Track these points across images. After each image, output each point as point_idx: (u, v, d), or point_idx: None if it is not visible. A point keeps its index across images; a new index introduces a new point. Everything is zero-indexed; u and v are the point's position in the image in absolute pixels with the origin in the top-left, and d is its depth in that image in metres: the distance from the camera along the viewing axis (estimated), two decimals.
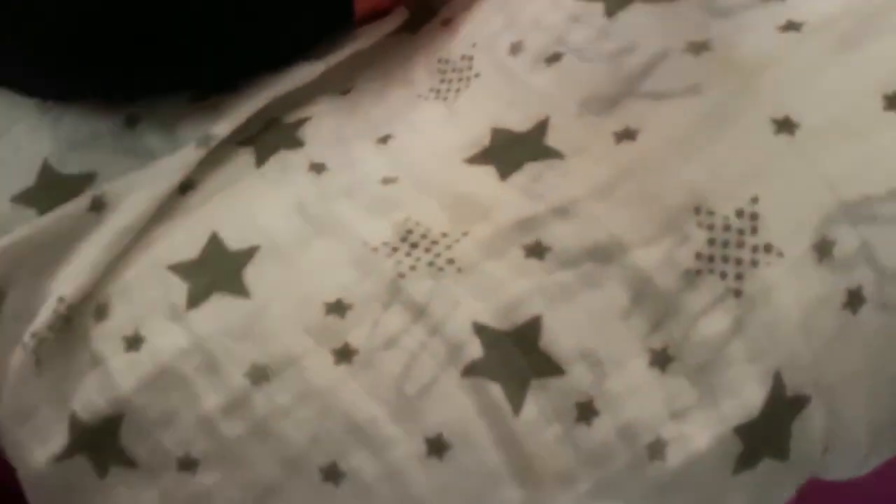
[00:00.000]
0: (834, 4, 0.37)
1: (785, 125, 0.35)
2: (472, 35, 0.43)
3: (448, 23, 0.46)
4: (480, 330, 0.34)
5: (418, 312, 0.35)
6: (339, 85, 0.45)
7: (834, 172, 0.34)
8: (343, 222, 0.38)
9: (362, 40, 0.45)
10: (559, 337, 0.34)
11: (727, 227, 0.34)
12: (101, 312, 0.38)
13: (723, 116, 0.35)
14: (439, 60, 0.44)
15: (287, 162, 0.40)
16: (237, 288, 0.36)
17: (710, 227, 0.34)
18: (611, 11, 0.39)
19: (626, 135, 0.36)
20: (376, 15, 0.46)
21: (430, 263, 0.36)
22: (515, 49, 0.41)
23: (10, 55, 0.39)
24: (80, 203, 0.39)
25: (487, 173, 0.38)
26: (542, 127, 0.38)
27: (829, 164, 0.34)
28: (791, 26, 0.36)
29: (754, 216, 0.34)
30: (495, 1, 0.45)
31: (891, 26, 0.37)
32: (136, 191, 0.39)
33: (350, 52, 0.44)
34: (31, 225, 0.39)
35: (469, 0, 0.47)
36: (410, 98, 0.43)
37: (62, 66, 0.39)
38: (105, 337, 0.37)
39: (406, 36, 0.47)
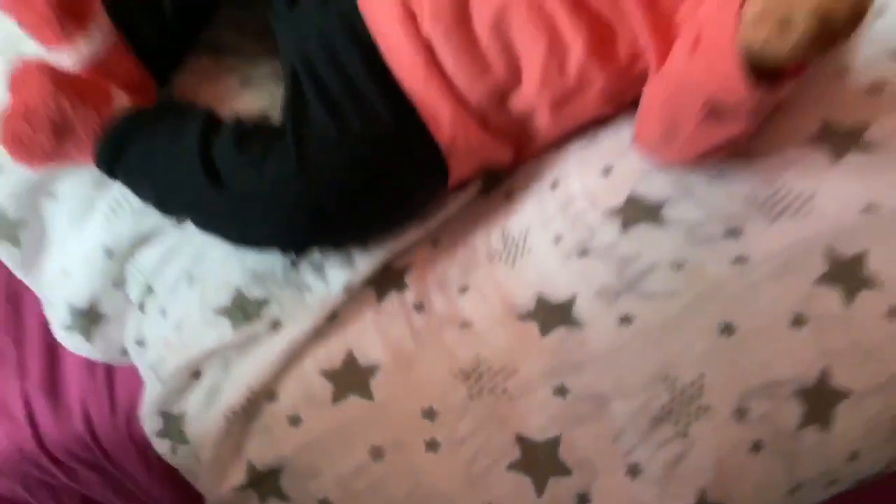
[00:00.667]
0: (773, 242, 0.55)
1: (726, 329, 0.54)
2: (529, 216, 0.62)
3: (510, 196, 0.65)
4: (521, 440, 0.54)
5: (480, 424, 0.54)
6: (431, 237, 0.64)
7: (749, 364, 0.53)
8: (432, 353, 0.57)
9: (451, 207, 0.64)
10: (571, 450, 0.54)
11: (683, 392, 0.53)
12: (272, 396, 0.58)
13: (688, 316, 0.54)
14: (503, 231, 0.63)
15: (401, 299, 0.60)
16: (366, 393, 0.56)
17: (672, 390, 0.53)
18: (625, 224, 0.58)
19: (626, 319, 0.55)
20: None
21: (491, 390, 0.55)
22: (558, 240, 0.60)
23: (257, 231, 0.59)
24: (262, 324, 0.59)
25: (532, 329, 0.57)
26: (571, 301, 0.57)
27: (748, 358, 0.53)
28: (740, 259, 0.55)
29: (700, 386, 0.53)
30: (545, 184, 0.63)
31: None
32: (301, 318, 0.58)
33: (444, 216, 0.64)
34: (229, 334, 0.59)
35: (525, 177, 0.66)
36: (481, 258, 0.62)
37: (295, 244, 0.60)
38: (273, 414, 0.57)
39: (481, 198, 0.67)
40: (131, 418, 0.71)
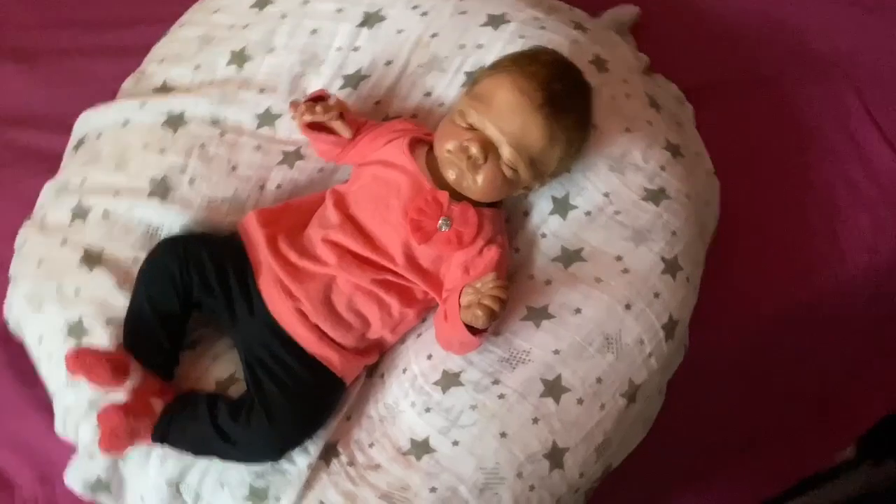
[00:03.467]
0: (514, 384, 1.08)
1: (503, 435, 1.06)
2: (395, 391, 1.13)
3: (383, 378, 1.16)
4: None
5: None
6: (345, 416, 1.13)
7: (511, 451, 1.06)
8: (365, 489, 1.07)
9: (352, 395, 1.14)
10: None
11: (490, 475, 1.05)
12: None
13: (484, 433, 1.06)
14: (385, 402, 1.13)
15: (339, 461, 1.09)
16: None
17: (486, 473, 1.05)
18: (444, 389, 1.09)
19: (455, 443, 1.07)
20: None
21: (399, 500, 1.05)
22: (413, 405, 1.10)
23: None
24: (270, 500, 1.07)
25: (412, 459, 1.07)
26: (427, 439, 1.08)
27: (514, 449, 1.06)
28: (501, 396, 1.08)
29: (496, 471, 1.06)
30: (399, 370, 1.14)
31: None
32: (290, 491, 1.07)
33: (349, 402, 1.13)
34: None
35: (388, 365, 1.16)
36: (376, 422, 1.12)
37: (276, 458, 1.07)
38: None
39: (368, 382, 1.16)
40: None
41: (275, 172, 1.21)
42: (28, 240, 1.21)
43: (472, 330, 1.02)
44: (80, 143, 1.25)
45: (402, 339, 1.16)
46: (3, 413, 1.27)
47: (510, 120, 1.05)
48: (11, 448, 1.25)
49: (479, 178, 1.07)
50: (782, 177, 1.39)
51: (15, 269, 1.20)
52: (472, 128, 1.07)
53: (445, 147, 1.08)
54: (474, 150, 1.06)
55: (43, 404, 1.21)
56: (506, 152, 1.06)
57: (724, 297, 1.26)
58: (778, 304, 1.32)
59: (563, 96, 1.06)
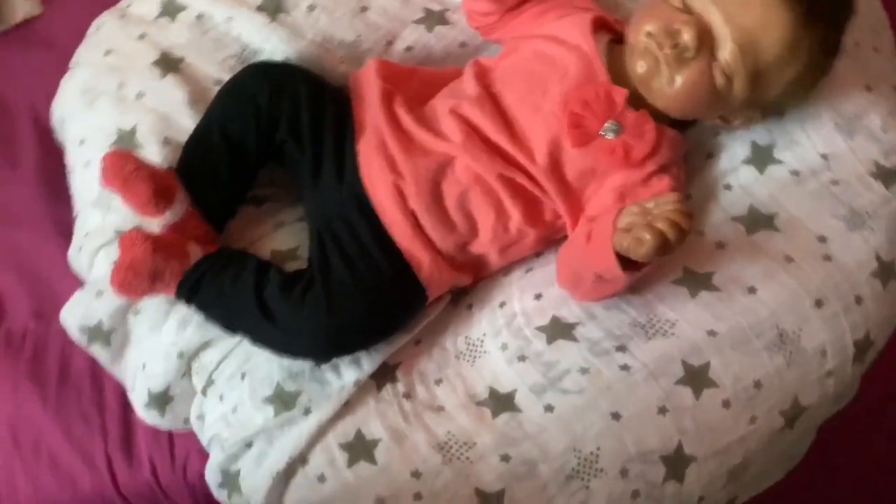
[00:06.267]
0: (647, 355, 0.82)
1: (615, 415, 0.80)
2: (484, 327, 0.87)
3: (471, 309, 0.90)
4: (478, 492, 0.79)
5: (450, 481, 0.79)
6: (414, 339, 0.89)
7: (629, 439, 0.79)
8: (416, 430, 0.82)
9: (429, 316, 0.89)
10: (513, 499, 0.79)
11: (586, 458, 0.79)
12: (304, 462, 0.82)
13: (590, 407, 0.80)
14: (466, 337, 0.88)
15: (394, 389, 0.84)
16: (371, 459, 0.81)
17: (579, 457, 0.79)
18: (550, 339, 0.84)
19: (549, 408, 0.81)
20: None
21: (458, 458, 0.80)
22: (504, 347, 0.85)
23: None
24: (297, 410, 0.83)
25: (486, 412, 0.82)
26: (513, 394, 0.82)
27: (628, 435, 0.79)
28: (625, 367, 0.81)
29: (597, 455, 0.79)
30: (496, 304, 0.89)
31: None
32: (325, 405, 0.83)
33: (424, 324, 0.88)
34: (272, 418, 0.83)
35: (482, 296, 0.91)
36: (451, 357, 0.87)
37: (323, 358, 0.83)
38: (306, 474, 0.82)
39: (450, 308, 0.91)
40: (186, 468, 0.96)
41: (409, 30, 0.97)
42: (104, 25, 0.99)
43: (624, 263, 0.76)
44: None
45: (507, 271, 0.91)
46: (20, 229, 1.07)
47: (746, 8, 0.79)
48: (16, 271, 1.05)
49: (679, 79, 0.81)
50: None
51: (79, 55, 0.99)
52: (688, 10, 0.81)
53: (645, 28, 0.82)
54: (687, 36, 0.79)
55: (66, 228, 1.00)
56: (726, 51, 0.80)
57: None
58: None
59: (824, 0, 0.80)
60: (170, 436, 0.97)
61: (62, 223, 1.02)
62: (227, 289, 0.83)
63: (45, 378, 0.98)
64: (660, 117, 0.85)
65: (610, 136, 0.83)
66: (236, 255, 0.86)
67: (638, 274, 0.76)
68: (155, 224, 0.84)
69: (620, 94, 0.84)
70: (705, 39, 0.80)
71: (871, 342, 0.84)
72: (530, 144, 0.85)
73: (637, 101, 0.84)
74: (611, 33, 0.89)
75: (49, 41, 1.14)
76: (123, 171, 0.82)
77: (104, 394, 0.99)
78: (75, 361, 0.99)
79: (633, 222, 0.73)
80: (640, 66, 0.83)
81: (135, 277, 0.82)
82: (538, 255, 0.91)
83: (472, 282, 0.91)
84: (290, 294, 0.81)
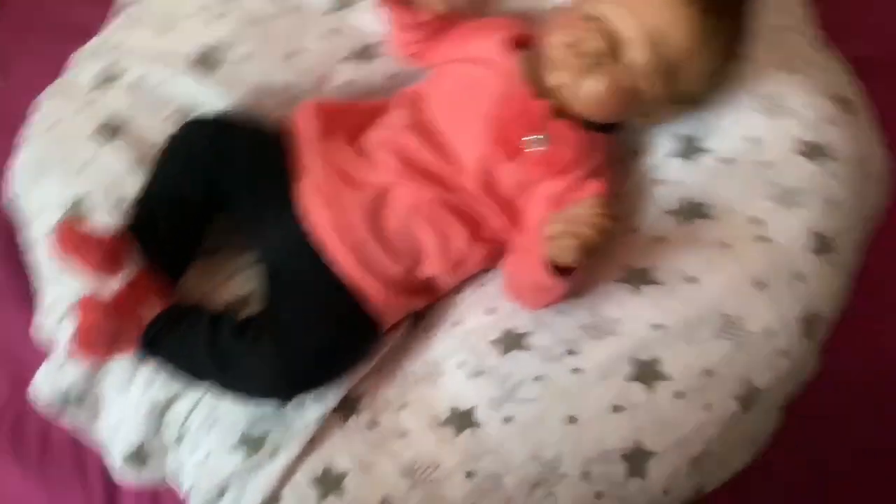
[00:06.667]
0: (597, 355, 0.83)
1: (572, 420, 0.81)
2: (441, 348, 0.89)
3: (427, 332, 0.92)
4: None
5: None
6: (376, 367, 0.90)
7: (588, 441, 0.80)
8: (383, 458, 0.83)
9: (388, 344, 0.90)
10: None
11: (547, 465, 0.80)
12: (276, 500, 0.84)
13: (547, 414, 0.81)
14: (425, 359, 0.90)
15: (357, 421, 0.86)
16: (340, 492, 0.82)
17: (541, 464, 0.80)
18: (504, 351, 0.85)
19: (508, 419, 0.82)
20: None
21: (424, 480, 0.81)
22: (461, 365, 0.86)
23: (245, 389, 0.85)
24: (265, 452, 0.84)
25: (449, 432, 0.83)
26: (473, 409, 0.83)
27: (587, 437, 0.80)
28: (576, 370, 0.83)
29: (559, 460, 0.80)
30: (449, 324, 0.90)
31: None
32: (291, 444, 0.84)
33: (383, 353, 0.90)
34: (241, 462, 0.85)
35: (436, 318, 0.93)
36: (410, 381, 0.88)
37: (283, 399, 0.84)
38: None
39: (408, 334, 0.93)
40: None
41: (339, 69, 1.00)
42: (45, 100, 1.03)
43: (556, 270, 0.77)
44: (126, 4, 1.08)
45: (460, 289, 0.93)
46: None
47: (648, 8, 0.81)
48: None
49: (594, 85, 0.83)
50: None
51: (26, 132, 1.03)
52: (593, 18, 0.84)
53: (554, 40, 0.84)
54: (593, 44, 0.82)
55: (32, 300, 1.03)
56: (636, 53, 0.82)
57: (876, 309, 0.98)
58: None
59: None
60: (154, 494, 0.99)
61: (32, 297, 1.05)
62: (183, 343, 0.85)
63: (25, 449, 1.00)
64: (586, 123, 0.87)
65: (535, 147, 0.85)
66: (190, 310, 0.89)
67: (571, 279, 0.78)
68: (111, 284, 0.86)
69: (542, 105, 0.86)
70: (613, 44, 0.82)
71: (818, 317, 0.85)
72: (463, 165, 0.87)
73: (560, 110, 0.87)
74: (530, 49, 0.92)
75: (7, 117, 1.17)
76: (73, 240, 0.84)
77: (86, 459, 1.02)
78: (55, 431, 1.02)
79: (557, 230, 0.75)
80: (555, 78, 0.85)
81: (95, 339, 0.84)
82: (489, 270, 0.93)
83: (426, 304, 0.92)
84: (242, 340, 0.83)
